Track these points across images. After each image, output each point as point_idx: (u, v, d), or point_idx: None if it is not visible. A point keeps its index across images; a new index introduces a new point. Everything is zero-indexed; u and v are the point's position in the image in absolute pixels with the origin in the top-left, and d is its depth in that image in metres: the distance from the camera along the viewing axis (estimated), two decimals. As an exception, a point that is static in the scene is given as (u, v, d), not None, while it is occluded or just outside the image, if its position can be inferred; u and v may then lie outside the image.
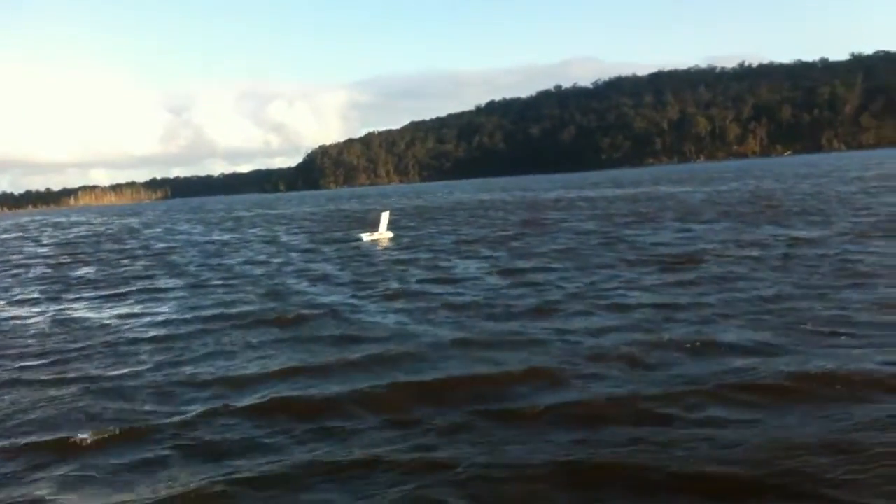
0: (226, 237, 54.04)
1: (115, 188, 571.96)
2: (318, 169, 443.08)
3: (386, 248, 35.07)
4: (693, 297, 17.12)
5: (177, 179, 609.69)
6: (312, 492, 8.06)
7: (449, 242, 35.65)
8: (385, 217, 41.03)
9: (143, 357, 14.84)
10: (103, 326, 18.80)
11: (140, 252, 44.50)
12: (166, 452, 9.37)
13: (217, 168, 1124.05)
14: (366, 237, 40.20)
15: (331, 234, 49.46)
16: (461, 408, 10.30)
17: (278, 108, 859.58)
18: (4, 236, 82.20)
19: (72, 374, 13.71)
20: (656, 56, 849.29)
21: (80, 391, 12.43)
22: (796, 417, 9.21)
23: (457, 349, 13.75)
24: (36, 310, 22.50)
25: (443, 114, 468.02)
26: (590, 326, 14.81)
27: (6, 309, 23.20)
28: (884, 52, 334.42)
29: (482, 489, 7.82)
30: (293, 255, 35.17)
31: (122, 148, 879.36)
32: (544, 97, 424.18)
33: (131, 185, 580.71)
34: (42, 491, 8.48)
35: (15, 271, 36.51)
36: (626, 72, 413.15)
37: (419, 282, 22.72)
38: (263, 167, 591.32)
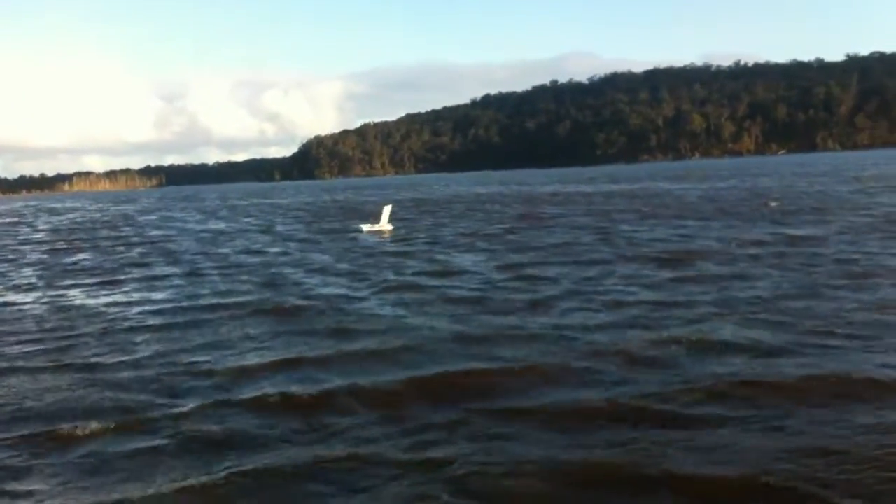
0: (221, 226, 53.99)
1: (110, 175, 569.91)
2: (313, 159, 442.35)
3: (385, 240, 35.04)
4: (690, 294, 17.15)
5: (171, 167, 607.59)
6: (308, 487, 8.02)
7: (447, 235, 35.69)
8: (387, 210, 41.09)
9: (140, 346, 14.78)
10: (100, 314, 18.74)
11: (136, 239, 44.44)
12: (163, 444, 9.31)
13: (212, 156, 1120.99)
14: (366, 228, 40.26)
15: (328, 224, 49.41)
16: (458, 404, 10.26)
17: (274, 97, 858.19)
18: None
19: (69, 363, 13.66)
20: (652, 53, 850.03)
21: (77, 380, 12.38)
22: (794, 419, 9.18)
23: (454, 343, 13.71)
24: (33, 296, 22.43)
25: (438, 106, 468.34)
26: (587, 322, 14.81)
27: (3, 294, 23.18)
28: (879, 53, 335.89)
29: (479, 486, 7.78)
30: (290, 244, 35.15)
31: (116, 135, 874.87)
32: (540, 92, 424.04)
33: (126, 171, 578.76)
34: (38, 483, 8.43)
35: (12, 256, 36.50)
36: (621, 68, 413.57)
37: (417, 274, 22.72)
38: (258, 156, 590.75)
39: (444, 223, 44.66)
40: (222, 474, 8.28)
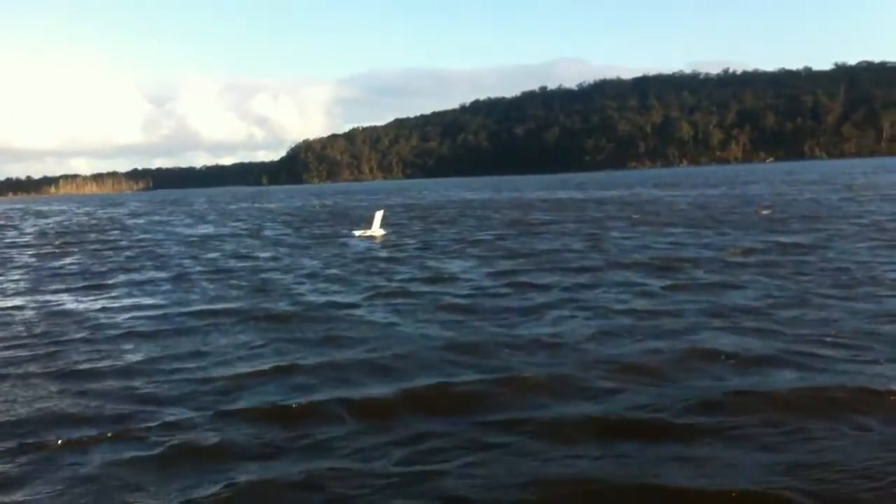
0: (210, 230, 53.78)
1: (97, 178, 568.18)
2: (301, 163, 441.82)
3: (377, 245, 34.91)
4: (682, 303, 17.09)
5: (159, 170, 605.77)
6: (301, 500, 7.91)
7: (438, 241, 35.64)
8: (379, 215, 41.08)
9: (130, 353, 14.61)
10: (89, 319, 18.55)
11: (124, 243, 44.15)
12: (154, 455, 9.15)
13: (199, 160, 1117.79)
14: (358, 233, 40.20)
15: (317, 229, 49.25)
16: (451, 416, 10.15)
17: (262, 101, 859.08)
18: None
19: (58, 370, 13.48)
20: (642, 60, 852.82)
21: (67, 388, 12.20)
22: (787, 430, 9.12)
23: (445, 352, 13.58)
24: (21, 300, 22.20)
25: (427, 111, 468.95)
26: (578, 331, 14.71)
27: (-9, 298, 22.96)
28: (867, 62, 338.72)
29: (472, 499, 7.70)
30: (279, 249, 35.04)
31: (103, 137, 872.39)
32: (529, 97, 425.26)
33: (113, 174, 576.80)
34: (28, 495, 8.27)
35: (-2, 260, 36.11)
36: (611, 74, 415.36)
37: (408, 280, 22.62)
38: (246, 160, 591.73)
39: (435, 229, 44.59)
40: (215, 487, 8.16)
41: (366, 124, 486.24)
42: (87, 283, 25.31)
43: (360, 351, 13.98)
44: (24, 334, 16.95)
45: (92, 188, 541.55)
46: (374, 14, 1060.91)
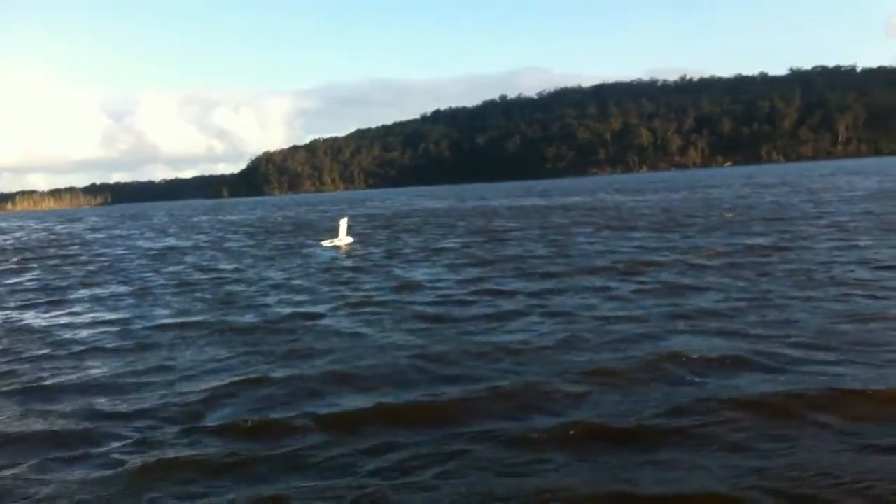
0: (172, 243, 53.14)
1: (54, 193, 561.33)
2: (262, 175, 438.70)
3: (342, 255, 34.69)
4: (649, 307, 17.11)
5: (117, 185, 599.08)
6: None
7: (404, 249, 35.56)
8: (344, 223, 40.94)
9: (93, 370, 14.30)
10: (50, 335, 18.24)
11: (85, 258, 43.43)
12: (120, 475, 8.90)
13: (159, 174, 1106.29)
14: (326, 243, 39.95)
15: (281, 240, 48.79)
16: (422, 429, 9.95)
17: (222, 113, 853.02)
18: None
19: (20, 387, 13.21)
20: (600, 68, 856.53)
21: (27, 407, 11.93)
22: (759, 434, 9.08)
23: (414, 363, 13.39)
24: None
25: (389, 122, 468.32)
26: (547, 339, 14.64)
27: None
28: (822, 66, 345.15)
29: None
30: (243, 261, 34.68)
31: (61, 153, 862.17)
32: (490, 107, 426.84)
33: (70, 190, 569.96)
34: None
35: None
36: (571, 83, 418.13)
37: (375, 290, 22.47)
38: (206, 173, 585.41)
39: (400, 237, 44.49)
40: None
41: (327, 135, 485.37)
42: (47, 299, 24.90)
43: (328, 362, 13.80)
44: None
45: (49, 204, 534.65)
46: (333, 25, 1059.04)
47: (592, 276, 22.51)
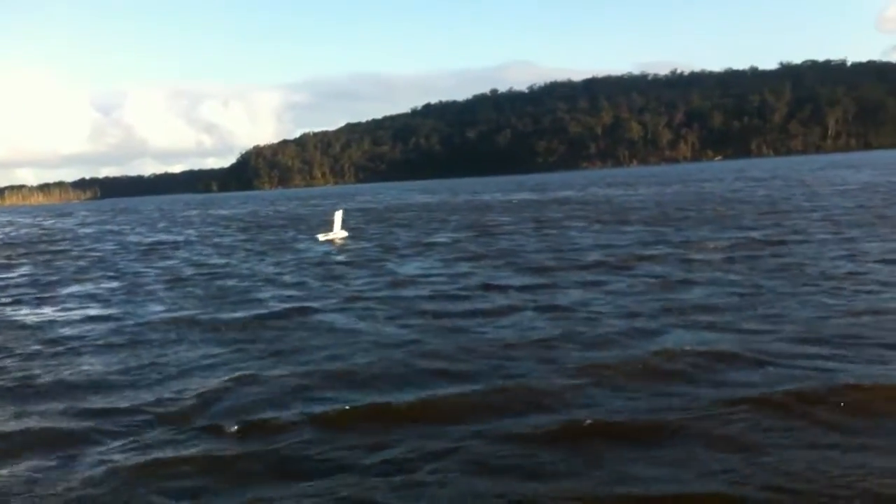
0: (163, 238, 52.98)
1: (43, 188, 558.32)
2: (252, 170, 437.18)
3: (335, 250, 34.66)
4: (645, 302, 17.09)
5: (106, 179, 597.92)
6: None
7: (397, 244, 35.49)
8: (339, 216, 40.93)
9: (84, 367, 14.18)
10: (40, 331, 18.12)
11: (76, 253, 43.30)
12: (108, 476, 8.72)
13: (148, 168, 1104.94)
14: (321, 237, 40.01)
15: (273, 235, 48.71)
16: (418, 427, 9.82)
17: (211, 108, 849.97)
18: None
19: (9, 385, 13.06)
20: (591, 62, 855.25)
21: (14, 405, 11.79)
22: (760, 433, 8.99)
23: (409, 359, 13.30)
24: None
25: (379, 116, 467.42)
26: (541, 335, 14.55)
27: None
28: (811, 61, 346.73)
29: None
30: (236, 256, 34.57)
31: (49, 147, 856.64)
32: (480, 101, 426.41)
33: (59, 184, 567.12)
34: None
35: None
36: (561, 77, 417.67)
37: (368, 284, 22.44)
38: (196, 167, 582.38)
39: (393, 232, 44.45)
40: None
41: (317, 129, 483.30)
42: (38, 295, 24.80)
43: (322, 359, 13.70)
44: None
45: (39, 199, 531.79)
46: (322, 18, 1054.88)
47: (586, 270, 22.50)
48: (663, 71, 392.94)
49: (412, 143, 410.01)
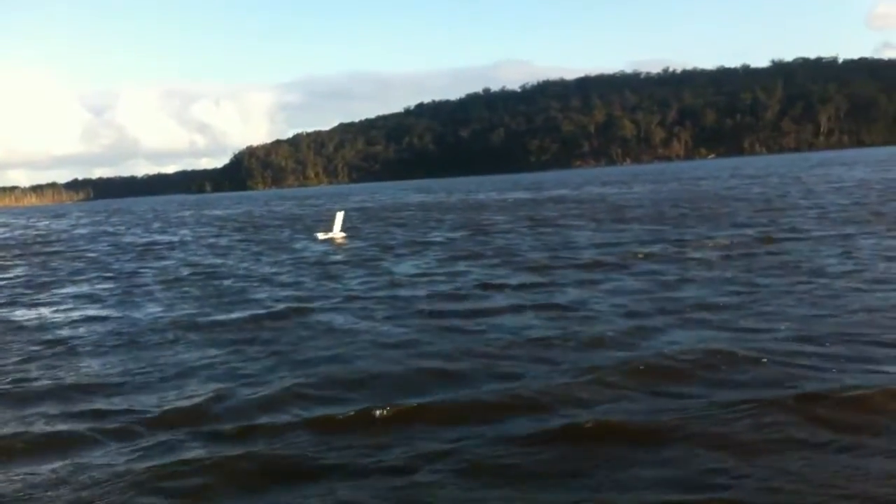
0: (158, 238, 52.82)
1: (36, 189, 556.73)
2: (245, 170, 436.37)
3: (333, 250, 34.60)
4: (642, 301, 17.08)
5: (99, 180, 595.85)
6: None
7: (395, 244, 35.30)
8: (340, 216, 40.97)
9: (80, 370, 14.05)
10: (34, 333, 18.04)
11: (71, 254, 43.18)
12: (110, 479, 8.65)
13: (141, 169, 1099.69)
14: (321, 236, 40.08)
15: (270, 235, 48.66)
16: (420, 431, 9.67)
17: (204, 108, 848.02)
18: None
19: (7, 387, 12.97)
20: (584, 61, 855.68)
21: (15, 410, 11.63)
22: (756, 434, 8.93)
23: (409, 361, 13.17)
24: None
25: (372, 115, 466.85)
26: (541, 333, 14.53)
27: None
28: (803, 58, 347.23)
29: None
30: (232, 256, 34.51)
31: (41, 149, 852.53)
32: (473, 100, 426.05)
33: (52, 186, 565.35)
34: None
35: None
36: (554, 76, 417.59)
37: (367, 284, 22.39)
38: (189, 168, 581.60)
39: (390, 231, 44.42)
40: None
41: (310, 129, 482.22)
42: (34, 296, 24.71)
43: (320, 360, 13.59)
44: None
45: (31, 200, 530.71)
46: (314, 18, 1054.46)
47: (583, 269, 22.47)
48: (656, 69, 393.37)
49: (405, 143, 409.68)
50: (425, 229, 43.97)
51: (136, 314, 19.76)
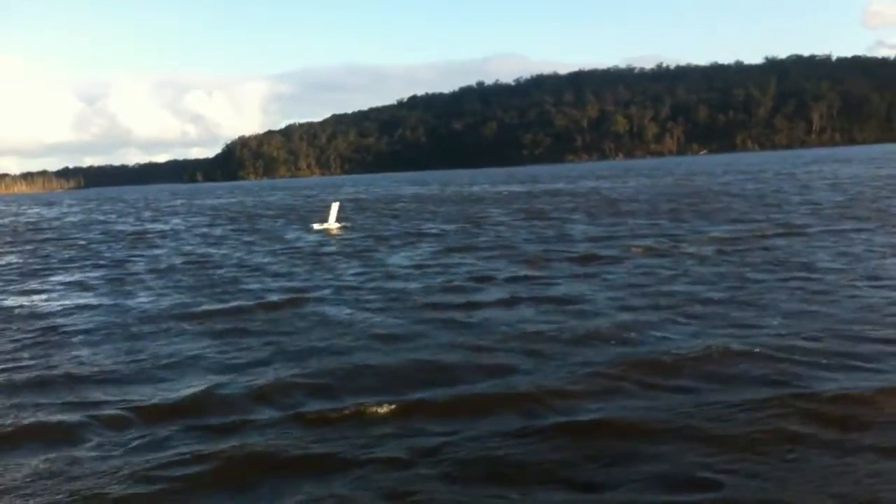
0: (151, 227, 52.65)
1: (27, 177, 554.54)
2: (237, 160, 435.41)
3: (327, 240, 34.50)
4: (639, 296, 17.00)
5: (91, 169, 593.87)
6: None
7: (390, 235, 35.26)
8: (335, 207, 40.98)
9: (72, 360, 13.87)
10: (24, 322, 17.88)
11: (63, 242, 43.00)
12: (101, 474, 8.49)
13: (132, 158, 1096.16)
14: (316, 226, 40.13)
15: (263, 225, 48.54)
16: (417, 429, 9.50)
17: (196, 98, 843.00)
18: None
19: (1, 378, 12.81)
20: (577, 55, 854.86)
21: (12, 401, 11.43)
22: (752, 433, 8.82)
23: (405, 355, 13.05)
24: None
25: (365, 107, 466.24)
26: (537, 328, 14.39)
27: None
28: (796, 55, 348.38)
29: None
30: (225, 246, 34.40)
31: (32, 136, 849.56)
32: (467, 93, 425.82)
33: (43, 173, 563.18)
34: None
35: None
36: (547, 70, 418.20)
37: (361, 275, 22.31)
38: (180, 157, 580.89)
39: (385, 222, 44.39)
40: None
41: (303, 120, 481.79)
42: (25, 284, 24.53)
43: (314, 353, 13.43)
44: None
45: (22, 188, 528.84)
46: (308, 9, 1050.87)
47: (578, 262, 22.44)
48: (649, 64, 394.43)
49: (398, 135, 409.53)
50: (419, 221, 43.92)
51: (129, 303, 19.64)
